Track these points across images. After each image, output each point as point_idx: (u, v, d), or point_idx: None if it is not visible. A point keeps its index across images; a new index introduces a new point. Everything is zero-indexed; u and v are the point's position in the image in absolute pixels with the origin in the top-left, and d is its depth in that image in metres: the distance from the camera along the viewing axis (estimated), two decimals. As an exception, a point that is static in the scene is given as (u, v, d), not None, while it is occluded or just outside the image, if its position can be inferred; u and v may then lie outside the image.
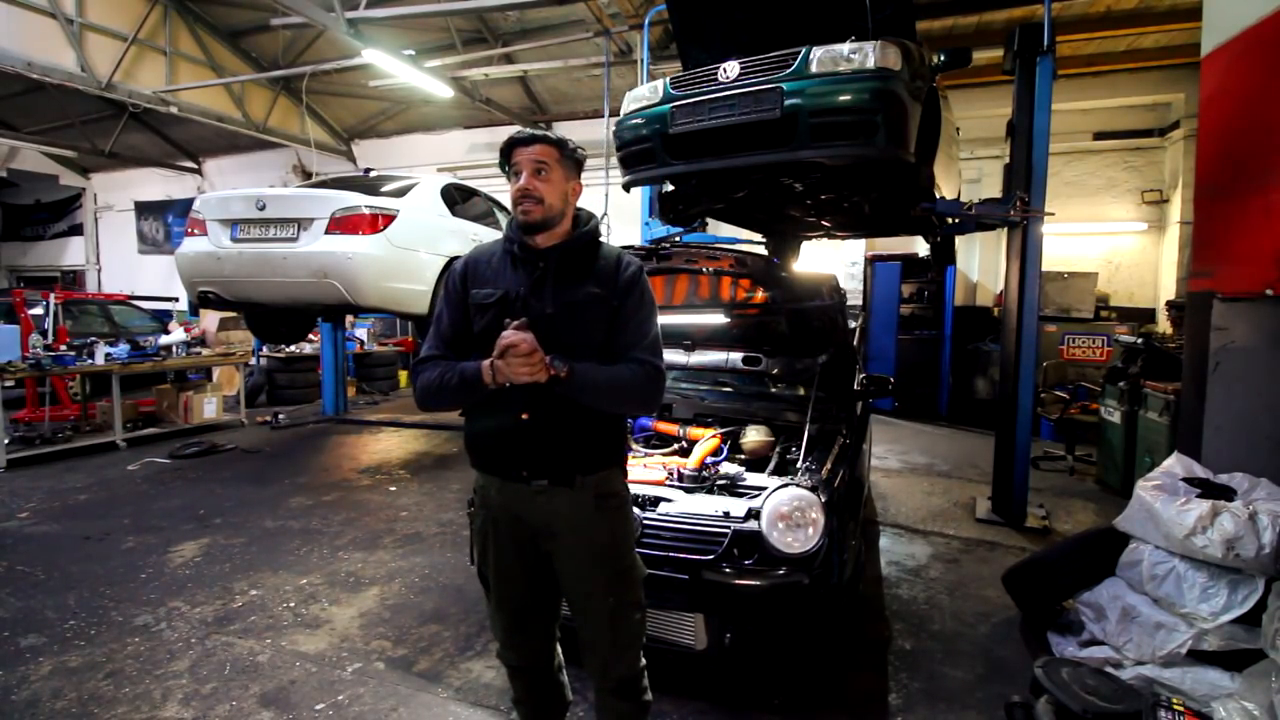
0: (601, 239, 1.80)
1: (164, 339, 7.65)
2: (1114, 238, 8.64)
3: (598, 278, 1.70)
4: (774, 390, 3.74)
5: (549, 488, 1.67)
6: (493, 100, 10.12)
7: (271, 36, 9.72)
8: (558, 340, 1.61)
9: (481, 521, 1.79)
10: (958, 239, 5.45)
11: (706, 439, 3.07)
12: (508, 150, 1.69)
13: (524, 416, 1.64)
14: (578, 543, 1.70)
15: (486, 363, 1.57)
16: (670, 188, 4.44)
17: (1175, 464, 2.83)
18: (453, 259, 5.65)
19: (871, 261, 8.72)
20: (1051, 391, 6.58)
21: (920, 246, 6.95)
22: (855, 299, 7.58)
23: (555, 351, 1.58)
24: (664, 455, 3.13)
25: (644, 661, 1.83)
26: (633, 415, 1.67)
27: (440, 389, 1.65)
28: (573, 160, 1.72)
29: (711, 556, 2.30)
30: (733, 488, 2.68)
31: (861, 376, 3.55)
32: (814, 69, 3.14)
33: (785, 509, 2.33)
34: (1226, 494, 2.58)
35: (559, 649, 1.91)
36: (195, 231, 5.21)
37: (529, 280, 1.69)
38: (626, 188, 4.09)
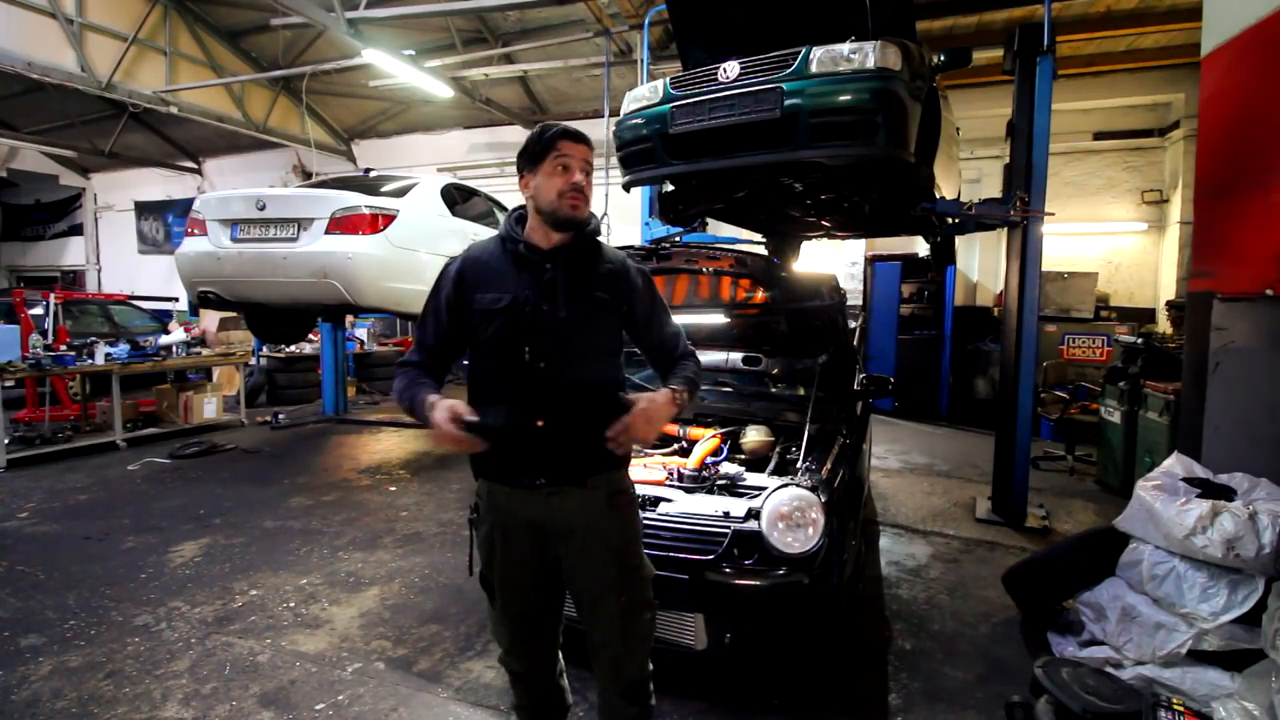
0: (600, 238, 1.79)
1: (164, 339, 7.66)
2: (1114, 238, 8.64)
3: (606, 281, 1.71)
4: (774, 390, 3.74)
5: (562, 489, 1.67)
6: (493, 100, 10.13)
7: (271, 36, 9.72)
8: (573, 345, 1.62)
9: (489, 528, 1.73)
10: (958, 239, 5.45)
11: (706, 439, 3.07)
12: (554, 140, 1.62)
13: (539, 424, 1.61)
14: (591, 541, 1.70)
15: (432, 413, 1.51)
16: (670, 188, 4.44)
17: (1175, 464, 2.82)
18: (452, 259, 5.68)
19: (871, 261, 8.72)
20: (1051, 391, 6.58)
21: (920, 246, 6.94)
22: (855, 299, 7.57)
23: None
24: (664, 455, 3.13)
25: (652, 666, 1.82)
26: None
27: (401, 402, 1.64)
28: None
29: (711, 556, 2.30)
30: (733, 488, 2.68)
31: (861, 376, 3.55)
32: (814, 69, 3.14)
33: (785, 509, 2.33)
34: (1226, 494, 2.57)
35: (560, 655, 1.91)
36: (195, 231, 5.22)
37: (536, 283, 1.65)
38: (626, 188, 4.09)
